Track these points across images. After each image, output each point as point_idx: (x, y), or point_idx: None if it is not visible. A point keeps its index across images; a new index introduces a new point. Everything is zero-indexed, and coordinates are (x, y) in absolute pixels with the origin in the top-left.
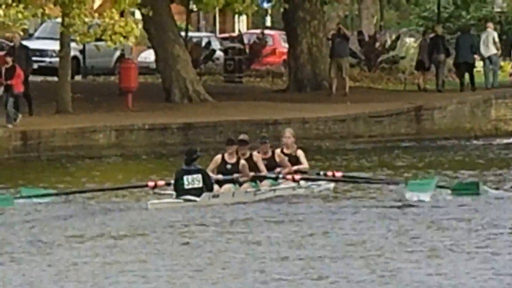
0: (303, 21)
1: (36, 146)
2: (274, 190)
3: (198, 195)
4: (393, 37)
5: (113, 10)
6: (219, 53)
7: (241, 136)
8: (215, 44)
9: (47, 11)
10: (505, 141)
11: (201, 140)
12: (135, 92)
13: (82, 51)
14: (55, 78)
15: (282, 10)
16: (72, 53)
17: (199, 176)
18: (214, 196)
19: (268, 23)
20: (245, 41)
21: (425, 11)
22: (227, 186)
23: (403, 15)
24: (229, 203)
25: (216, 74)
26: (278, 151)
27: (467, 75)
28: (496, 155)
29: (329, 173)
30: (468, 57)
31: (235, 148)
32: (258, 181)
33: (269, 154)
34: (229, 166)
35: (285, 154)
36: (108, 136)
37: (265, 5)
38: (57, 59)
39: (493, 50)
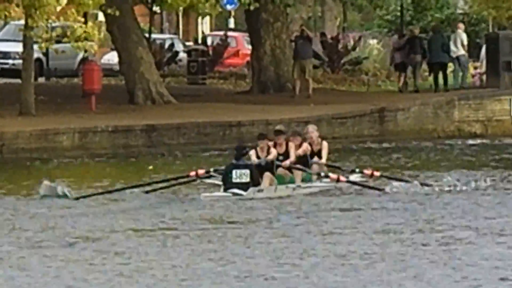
0: (266, 23)
1: None
2: (310, 186)
3: (245, 189)
4: (357, 38)
5: (76, 12)
6: (182, 55)
7: (278, 127)
8: (178, 46)
9: (12, 13)
10: (468, 142)
11: (165, 142)
12: (98, 94)
13: (46, 53)
14: (18, 80)
15: (247, 9)
16: (35, 55)
17: (247, 171)
18: (259, 191)
19: (232, 25)
20: (209, 43)
21: (388, 13)
22: (267, 176)
23: (366, 17)
24: (272, 197)
25: (179, 76)
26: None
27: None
28: (458, 157)
29: (367, 172)
30: (441, 56)
31: (266, 143)
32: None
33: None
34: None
35: (313, 151)
36: (72, 138)
37: (229, 7)
38: (20, 61)
39: (461, 51)
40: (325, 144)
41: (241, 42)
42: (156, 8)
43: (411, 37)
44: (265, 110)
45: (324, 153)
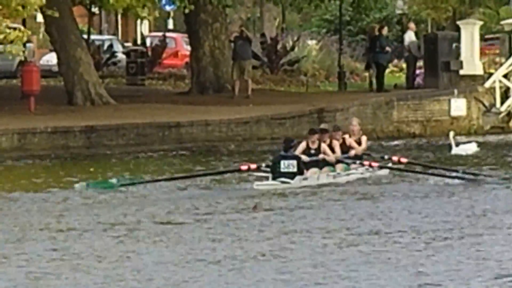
0: (205, 24)
1: None
2: (348, 174)
3: (292, 178)
4: (295, 39)
5: (6, 20)
6: (121, 56)
7: (322, 125)
8: (117, 47)
9: None
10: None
11: (104, 143)
12: (37, 95)
13: None
14: None
15: (186, 11)
16: None
17: (294, 162)
18: (304, 179)
19: (170, 26)
20: (147, 43)
21: (327, 13)
22: (312, 170)
23: (305, 18)
24: (315, 185)
25: (118, 77)
26: (347, 137)
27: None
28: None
29: (395, 158)
30: (379, 57)
31: (316, 137)
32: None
33: (340, 141)
34: (312, 151)
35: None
36: (11, 140)
37: (168, 7)
38: None
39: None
40: (364, 137)
41: (180, 43)
42: (95, 9)
43: (372, 37)
44: (204, 111)
45: (364, 144)
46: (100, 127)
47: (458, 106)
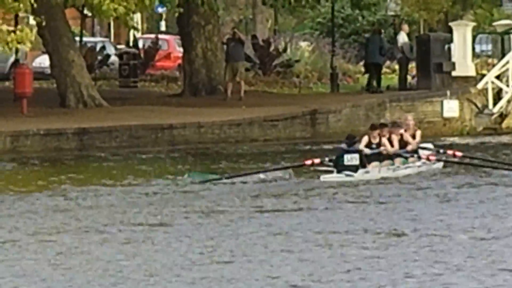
0: (198, 26)
1: None
2: (406, 167)
3: (355, 171)
4: (287, 40)
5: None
6: (113, 58)
7: (382, 120)
8: (110, 49)
9: None
10: None
11: (97, 145)
12: (30, 97)
13: None
14: None
15: (176, 14)
16: None
17: (357, 155)
18: (366, 172)
19: (163, 28)
20: (140, 46)
21: (320, 15)
22: (374, 163)
23: (298, 19)
24: (376, 177)
25: (111, 79)
26: (406, 134)
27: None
28: None
29: (450, 152)
30: (376, 58)
31: (377, 132)
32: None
33: (399, 137)
34: (374, 146)
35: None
36: (3, 142)
37: (160, 9)
38: None
39: (398, 53)
40: (418, 132)
41: (172, 45)
42: (87, 12)
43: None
44: (197, 113)
45: (418, 137)
46: (92, 129)
47: (451, 108)
